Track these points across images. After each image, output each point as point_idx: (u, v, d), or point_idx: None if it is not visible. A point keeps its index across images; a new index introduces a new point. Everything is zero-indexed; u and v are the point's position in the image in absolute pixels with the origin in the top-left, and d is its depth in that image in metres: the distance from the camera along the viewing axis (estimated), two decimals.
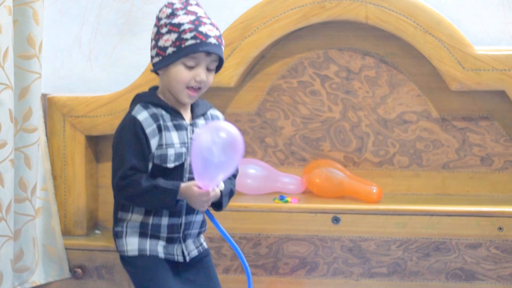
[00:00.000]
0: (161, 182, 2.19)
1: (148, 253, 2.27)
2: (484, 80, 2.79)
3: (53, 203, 2.90)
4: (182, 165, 2.24)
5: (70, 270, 2.89)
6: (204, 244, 2.38)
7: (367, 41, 2.94)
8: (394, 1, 2.79)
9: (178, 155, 2.23)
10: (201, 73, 2.22)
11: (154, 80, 2.80)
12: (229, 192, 2.31)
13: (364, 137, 2.99)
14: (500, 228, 2.72)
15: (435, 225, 2.74)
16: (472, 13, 2.94)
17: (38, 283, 2.84)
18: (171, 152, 2.22)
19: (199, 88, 2.24)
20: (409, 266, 2.77)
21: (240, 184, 2.93)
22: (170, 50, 2.20)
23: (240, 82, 2.96)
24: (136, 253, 2.27)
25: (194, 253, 2.34)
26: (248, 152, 3.00)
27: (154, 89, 2.31)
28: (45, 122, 2.94)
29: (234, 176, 2.38)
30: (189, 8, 2.24)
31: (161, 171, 2.22)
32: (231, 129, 2.13)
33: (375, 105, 2.97)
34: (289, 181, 2.97)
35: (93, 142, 3.00)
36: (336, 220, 2.77)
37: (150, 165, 2.23)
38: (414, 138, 2.96)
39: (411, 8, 2.79)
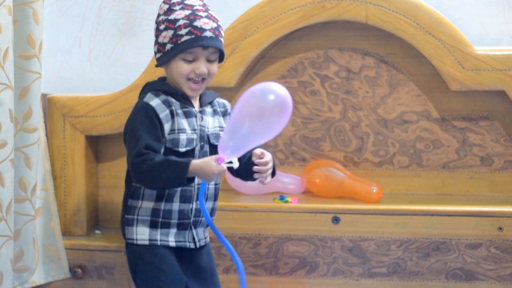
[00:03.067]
0: (173, 157, 2.21)
1: (158, 243, 2.27)
2: (484, 80, 2.79)
3: (53, 203, 2.90)
4: (192, 150, 2.28)
5: (70, 270, 2.89)
6: (208, 238, 2.40)
7: (367, 41, 2.94)
8: (394, 1, 2.79)
9: (190, 141, 2.26)
10: (200, 66, 2.26)
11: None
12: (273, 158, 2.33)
13: (364, 137, 2.99)
14: (500, 228, 2.72)
15: (435, 225, 2.74)
16: (472, 13, 2.94)
17: (38, 283, 2.84)
18: (183, 137, 2.25)
19: (203, 80, 2.29)
20: (409, 266, 2.77)
21: (240, 184, 2.93)
22: (168, 46, 2.26)
23: (240, 82, 2.96)
24: (146, 242, 2.28)
25: (203, 242, 2.36)
26: None
27: (163, 79, 2.34)
28: (45, 122, 2.94)
29: None
30: (186, 1, 2.28)
31: (172, 155, 2.23)
32: (280, 90, 2.12)
33: (375, 105, 2.97)
34: (289, 181, 2.97)
35: (93, 142, 3.00)
36: (336, 220, 2.77)
37: (162, 150, 2.25)
38: (414, 138, 2.96)
39: (411, 8, 2.79)
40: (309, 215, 2.78)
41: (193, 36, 2.23)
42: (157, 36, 2.29)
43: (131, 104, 2.87)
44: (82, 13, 3.08)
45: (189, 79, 2.27)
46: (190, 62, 2.25)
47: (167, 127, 2.24)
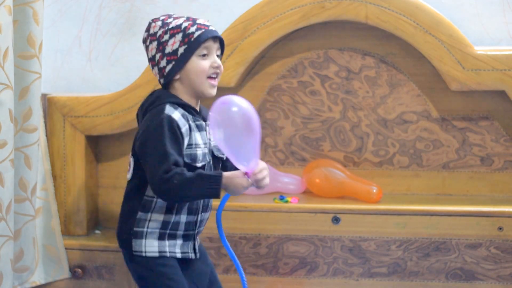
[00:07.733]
0: (203, 171, 2.24)
1: (168, 254, 2.30)
2: (484, 80, 2.79)
3: (53, 203, 2.90)
4: (208, 163, 2.30)
5: (70, 270, 2.89)
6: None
7: (367, 41, 2.94)
8: (394, 1, 2.79)
9: (204, 155, 2.29)
10: (216, 59, 2.31)
11: (153, 80, 2.81)
12: None
13: (364, 137, 2.99)
14: (500, 228, 2.72)
15: (435, 225, 2.74)
16: (472, 13, 2.94)
17: (38, 283, 2.84)
18: (199, 152, 2.27)
19: (216, 76, 2.32)
20: (409, 266, 2.77)
21: None
22: (181, 49, 2.27)
23: (240, 82, 2.96)
24: (156, 254, 2.29)
25: (198, 253, 2.39)
26: None
27: (167, 91, 2.33)
28: (45, 122, 2.94)
29: None
30: (174, 16, 2.34)
31: (189, 170, 2.23)
32: (241, 103, 2.20)
33: (375, 105, 2.97)
34: (289, 181, 2.97)
35: (93, 142, 3.00)
36: (336, 220, 2.77)
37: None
38: (414, 138, 2.97)
39: (411, 8, 2.79)
40: (309, 215, 2.78)
41: (203, 30, 2.27)
42: (162, 50, 2.28)
43: (131, 104, 2.87)
44: (82, 13, 3.08)
45: (207, 77, 2.30)
46: (205, 57, 2.29)
47: (186, 141, 2.26)
